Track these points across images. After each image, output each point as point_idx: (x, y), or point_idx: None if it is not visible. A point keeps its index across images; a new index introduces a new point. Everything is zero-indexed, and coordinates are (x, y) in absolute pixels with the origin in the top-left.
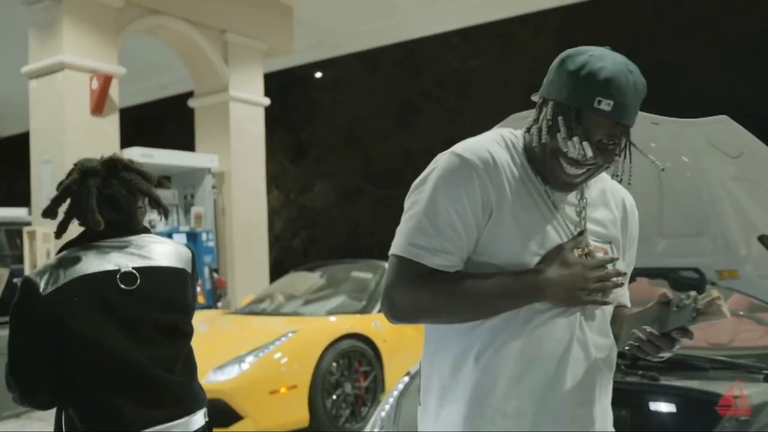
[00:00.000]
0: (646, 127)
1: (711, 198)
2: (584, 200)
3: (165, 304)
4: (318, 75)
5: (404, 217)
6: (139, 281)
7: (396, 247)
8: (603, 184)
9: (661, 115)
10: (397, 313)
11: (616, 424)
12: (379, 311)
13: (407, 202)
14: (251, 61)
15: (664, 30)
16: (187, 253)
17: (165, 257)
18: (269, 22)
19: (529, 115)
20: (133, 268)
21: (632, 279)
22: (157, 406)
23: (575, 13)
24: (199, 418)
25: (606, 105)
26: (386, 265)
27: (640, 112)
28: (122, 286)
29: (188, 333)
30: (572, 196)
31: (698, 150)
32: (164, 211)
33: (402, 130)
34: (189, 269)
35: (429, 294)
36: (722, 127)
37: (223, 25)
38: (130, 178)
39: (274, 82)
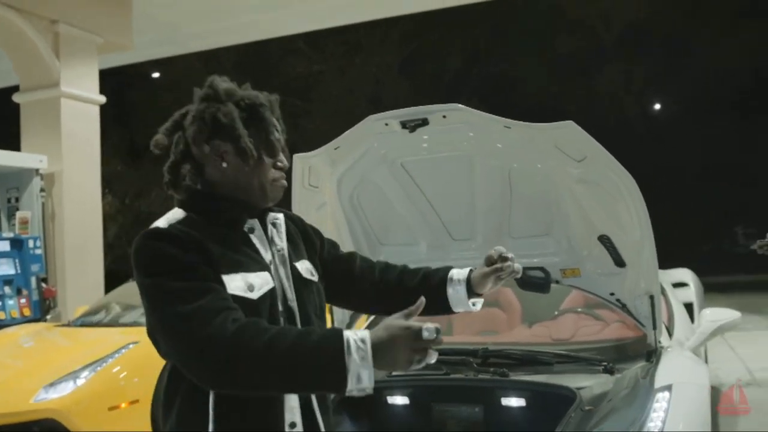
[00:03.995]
0: (498, 129)
1: (557, 200)
2: None
3: None
4: (157, 74)
5: None
6: None
7: None
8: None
9: None
10: None
11: (469, 421)
12: None
13: None
14: (85, 56)
15: (501, 44)
16: None
17: None
18: (106, 14)
19: (387, 115)
20: None
21: None
22: None
23: (420, 23)
24: None
25: None
26: None
27: (492, 116)
28: None
29: None
30: None
31: (546, 153)
32: None
33: None
34: None
35: None
36: (568, 131)
37: (54, 15)
38: None
39: (110, 80)
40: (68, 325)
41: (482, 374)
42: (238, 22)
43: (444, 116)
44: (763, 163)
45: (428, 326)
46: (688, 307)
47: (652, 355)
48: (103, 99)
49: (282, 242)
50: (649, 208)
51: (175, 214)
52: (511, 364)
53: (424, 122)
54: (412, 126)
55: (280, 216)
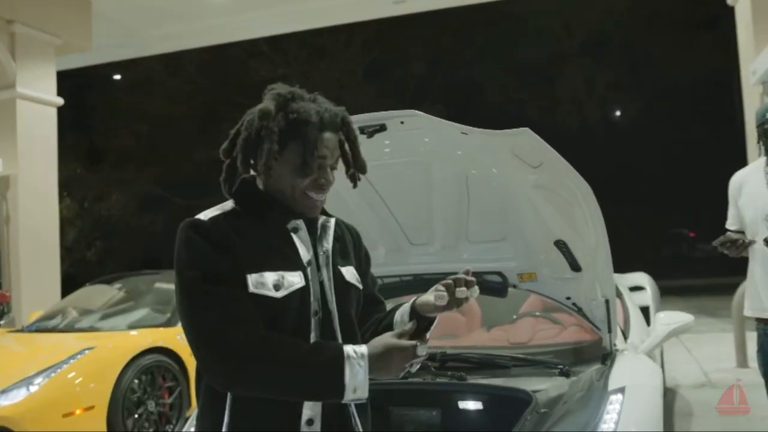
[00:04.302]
0: (455, 136)
1: (513, 206)
2: None
3: None
4: (118, 77)
5: None
6: None
7: None
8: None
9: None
10: None
11: (427, 425)
12: None
13: None
14: (43, 57)
15: (466, 51)
16: None
17: None
18: (64, 15)
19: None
20: None
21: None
22: None
23: (384, 29)
24: None
25: None
26: None
27: (449, 122)
28: None
29: None
30: None
31: (503, 160)
32: None
33: (207, 138)
34: None
35: None
36: (525, 138)
37: (10, 15)
38: None
39: (69, 82)
40: (22, 330)
41: (440, 378)
42: (201, 25)
43: (402, 122)
44: (719, 168)
45: (422, 345)
46: (645, 310)
47: (607, 357)
48: (60, 101)
49: (328, 244)
50: (609, 212)
51: (225, 205)
52: (469, 367)
53: (382, 128)
54: (370, 132)
55: (332, 220)
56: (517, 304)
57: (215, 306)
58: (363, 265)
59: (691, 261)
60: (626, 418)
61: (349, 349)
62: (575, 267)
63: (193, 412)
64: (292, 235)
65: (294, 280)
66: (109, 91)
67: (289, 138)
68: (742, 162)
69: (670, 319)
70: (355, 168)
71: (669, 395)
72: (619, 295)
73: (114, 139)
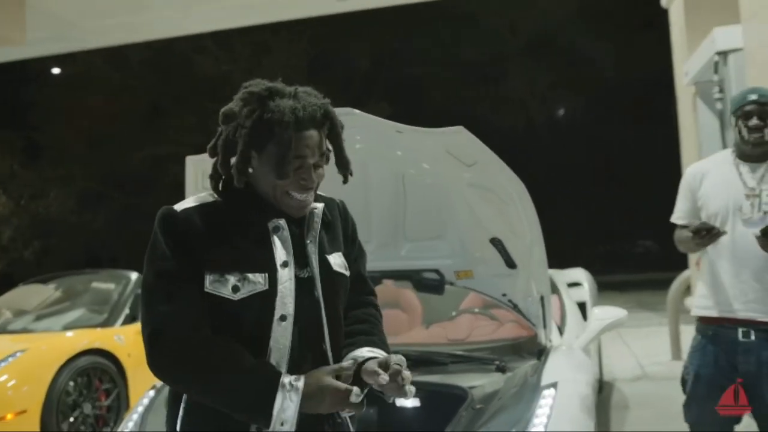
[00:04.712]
0: (390, 135)
1: (449, 203)
2: None
3: None
4: (56, 70)
5: None
6: None
7: None
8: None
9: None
10: None
11: (365, 423)
12: (123, 324)
13: None
14: None
15: (411, 49)
16: None
17: None
18: None
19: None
20: None
21: (378, 281)
22: None
23: (328, 26)
24: None
25: None
26: (131, 275)
27: (385, 120)
28: None
29: None
30: None
31: (438, 158)
32: None
33: (151, 134)
34: None
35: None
36: (459, 137)
37: None
38: None
39: (3, 76)
40: None
41: None
42: (142, 18)
43: None
44: (658, 167)
45: (357, 391)
46: (583, 306)
47: (542, 353)
48: None
49: (315, 235)
50: (552, 209)
51: (206, 197)
52: (407, 365)
53: None
54: None
55: (319, 206)
56: (456, 301)
57: (162, 303)
58: (351, 234)
59: (632, 256)
60: (558, 412)
61: (285, 380)
62: (510, 264)
63: (130, 412)
64: (272, 235)
65: (256, 282)
66: (47, 86)
67: (265, 139)
68: (676, 159)
69: (604, 314)
70: (338, 165)
71: (606, 389)
72: (556, 291)
73: (52, 134)
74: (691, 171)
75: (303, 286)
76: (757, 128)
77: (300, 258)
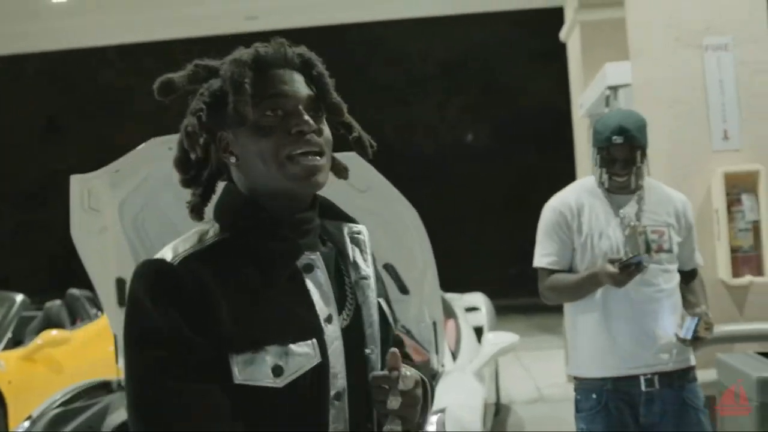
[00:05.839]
0: None
1: None
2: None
3: None
4: None
5: None
6: None
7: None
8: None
9: None
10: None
11: None
12: (5, 349)
13: None
14: None
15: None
16: None
17: None
18: None
19: (172, 139)
20: None
21: None
22: None
23: (237, 45)
24: None
25: None
26: (16, 296)
27: None
28: None
29: None
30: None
31: (329, 183)
32: None
33: (48, 147)
34: None
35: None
36: (351, 163)
37: None
38: None
39: None
40: None
41: None
42: (34, 28)
43: None
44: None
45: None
46: (480, 330)
47: (433, 378)
48: None
49: (368, 267)
50: (459, 233)
51: (205, 233)
52: None
53: None
54: None
55: (362, 228)
56: None
57: (175, 410)
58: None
59: (536, 280)
60: None
61: None
62: (403, 290)
63: None
64: (305, 277)
65: (304, 354)
66: None
67: (234, 105)
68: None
69: (497, 339)
70: (327, 110)
71: (503, 411)
72: (453, 315)
73: None
74: (557, 206)
75: (348, 342)
76: (625, 172)
77: (339, 302)
